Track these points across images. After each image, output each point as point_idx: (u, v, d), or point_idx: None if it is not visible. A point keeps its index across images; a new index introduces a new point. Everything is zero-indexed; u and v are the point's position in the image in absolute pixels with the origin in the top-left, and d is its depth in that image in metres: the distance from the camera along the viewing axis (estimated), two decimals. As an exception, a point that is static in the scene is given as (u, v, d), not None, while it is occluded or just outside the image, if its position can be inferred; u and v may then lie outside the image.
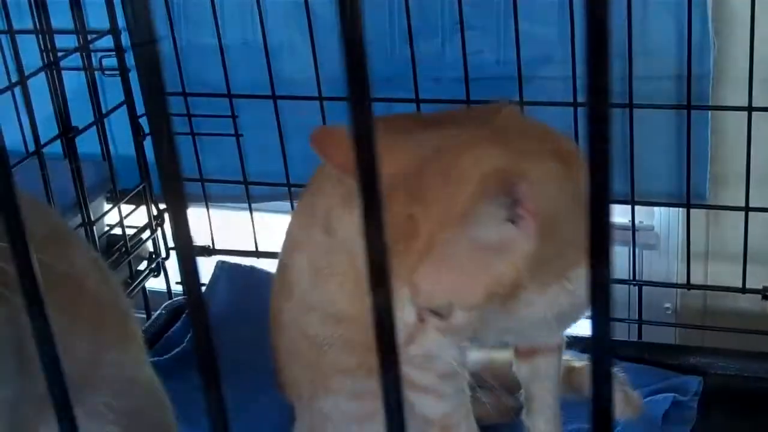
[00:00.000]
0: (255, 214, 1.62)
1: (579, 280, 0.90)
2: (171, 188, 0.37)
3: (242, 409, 1.26)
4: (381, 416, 0.38)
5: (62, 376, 0.43)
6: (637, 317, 1.48)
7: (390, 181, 0.85)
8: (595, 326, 0.36)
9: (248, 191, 1.61)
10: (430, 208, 0.86)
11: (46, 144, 1.42)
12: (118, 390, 1.03)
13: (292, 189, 1.56)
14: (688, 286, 1.41)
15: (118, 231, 1.61)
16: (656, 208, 1.50)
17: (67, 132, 1.49)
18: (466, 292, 0.86)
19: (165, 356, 1.43)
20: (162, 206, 1.66)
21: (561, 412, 1.12)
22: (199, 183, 1.61)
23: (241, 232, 1.66)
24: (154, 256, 1.67)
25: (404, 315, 0.87)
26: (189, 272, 0.38)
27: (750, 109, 1.31)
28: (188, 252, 0.38)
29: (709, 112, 1.39)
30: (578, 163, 0.92)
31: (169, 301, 1.61)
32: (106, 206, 1.64)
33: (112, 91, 1.60)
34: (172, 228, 0.37)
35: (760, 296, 1.38)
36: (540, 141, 0.96)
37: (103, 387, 1.00)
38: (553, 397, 1.11)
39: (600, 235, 0.34)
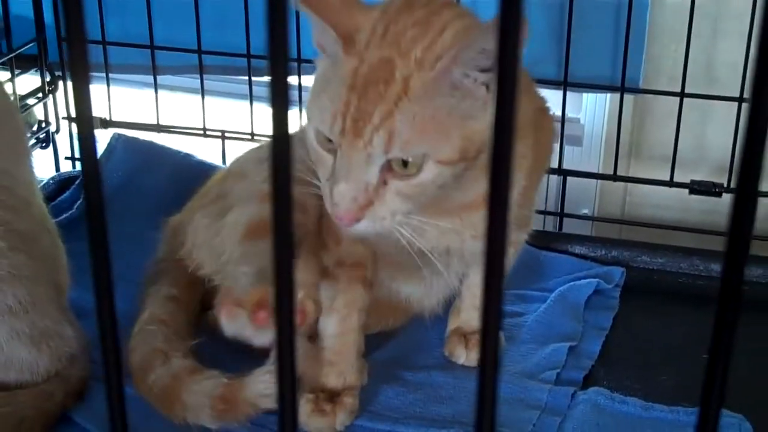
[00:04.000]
0: (160, 92, 1.50)
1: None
2: (75, 52, 0.35)
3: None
4: None
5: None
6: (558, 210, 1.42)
7: (360, 30, 0.81)
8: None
9: (154, 59, 1.49)
10: (407, 53, 0.80)
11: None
12: (11, 207, 0.98)
13: (203, 58, 1.46)
14: (614, 177, 1.37)
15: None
16: (584, 101, 1.45)
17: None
18: (443, 141, 0.80)
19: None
20: (57, 73, 1.53)
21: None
22: (101, 47, 1.49)
23: (143, 111, 1.54)
24: (43, 125, 1.53)
25: (366, 174, 0.80)
26: (87, 142, 0.36)
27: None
28: (87, 119, 0.36)
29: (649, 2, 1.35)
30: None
31: (58, 173, 1.48)
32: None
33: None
34: (75, 97, 0.35)
35: (686, 191, 1.35)
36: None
37: None
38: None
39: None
